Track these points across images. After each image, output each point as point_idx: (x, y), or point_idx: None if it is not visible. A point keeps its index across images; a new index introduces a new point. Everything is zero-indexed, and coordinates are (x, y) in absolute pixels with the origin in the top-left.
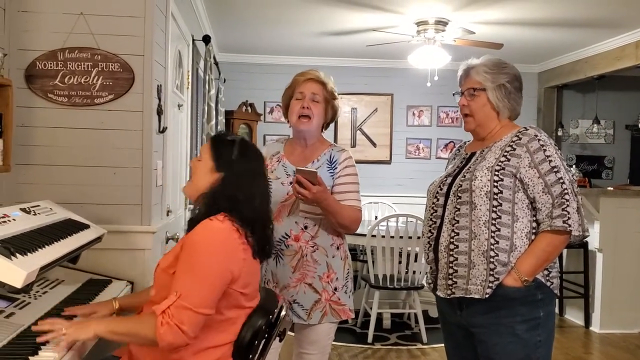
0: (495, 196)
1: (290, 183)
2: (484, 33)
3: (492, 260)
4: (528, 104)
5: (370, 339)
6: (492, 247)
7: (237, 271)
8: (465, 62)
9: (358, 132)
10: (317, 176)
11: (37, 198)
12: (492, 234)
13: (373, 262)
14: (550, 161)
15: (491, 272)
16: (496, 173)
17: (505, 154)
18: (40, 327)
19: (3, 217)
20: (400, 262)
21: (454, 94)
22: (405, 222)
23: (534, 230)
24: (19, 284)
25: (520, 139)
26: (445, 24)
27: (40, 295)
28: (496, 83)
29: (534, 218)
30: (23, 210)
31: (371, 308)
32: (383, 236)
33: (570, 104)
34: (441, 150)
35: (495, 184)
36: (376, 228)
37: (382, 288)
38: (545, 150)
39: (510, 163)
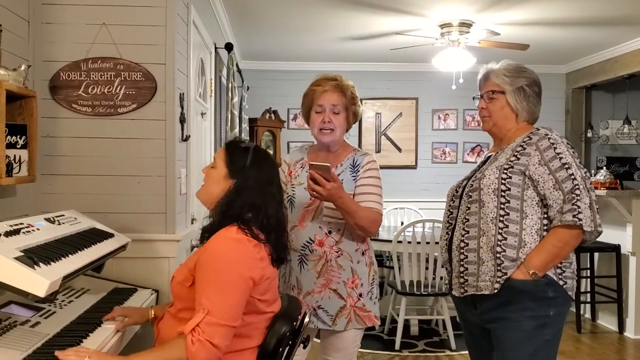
0: (503, 193)
1: None
2: (509, 34)
3: (498, 256)
4: (556, 105)
5: (397, 345)
6: (499, 243)
7: (257, 279)
8: (485, 66)
9: (382, 137)
10: (331, 171)
11: (62, 208)
12: (500, 231)
13: (399, 268)
14: (561, 158)
15: (499, 268)
16: (504, 171)
17: (516, 153)
18: (64, 356)
19: (27, 227)
20: (427, 268)
21: (473, 98)
22: (432, 228)
23: (545, 228)
24: (41, 294)
25: (530, 138)
26: (469, 25)
27: (65, 305)
28: (515, 86)
29: (545, 215)
30: (48, 220)
31: (398, 314)
32: (409, 242)
33: (599, 104)
34: (467, 154)
35: (503, 181)
36: (402, 234)
37: (409, 294)
38: (555, 147)
39: (519, 162)
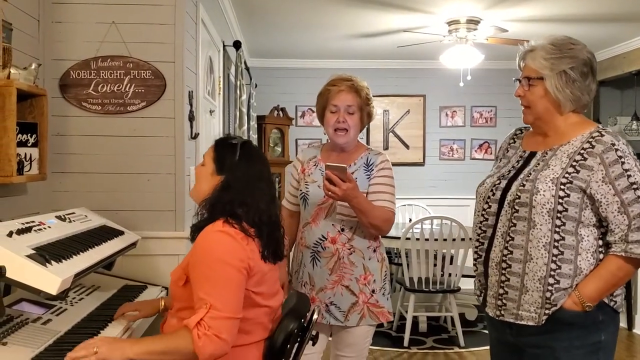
0: (559, 214)
1: None
2: (516, 31)
3: (550, 288)
4: None
5: (406, 342)
6: (552, 272)
7: (250, 267)
8: (525, 43)
9: (390, 134)
10: (347, 172)
11: (73, 205)
12: (554, 258)
13: (408, 265)
14: (629, 176)
15: (547, 300)
16: (562, 187)
17: (574, 163)
18: (74, 353)
19: (39, 225)
20: (435, 265)
21: (514, 80)
22: (440, 225)
23: (600, 250)
24: (53, 291)
25: (593, 147)
26: (477, 22)
27: (76, 302)
28: (556, 70)
29: (600, 236)
30: (58, 217)
31: (407, 311)
32: (418, 239)
33: (607, 100)
34: (475, 151)
35: (561, 200)
36: (410, 230)
37: (418, 291)
38: (623, 162)
39: (579, 176)
